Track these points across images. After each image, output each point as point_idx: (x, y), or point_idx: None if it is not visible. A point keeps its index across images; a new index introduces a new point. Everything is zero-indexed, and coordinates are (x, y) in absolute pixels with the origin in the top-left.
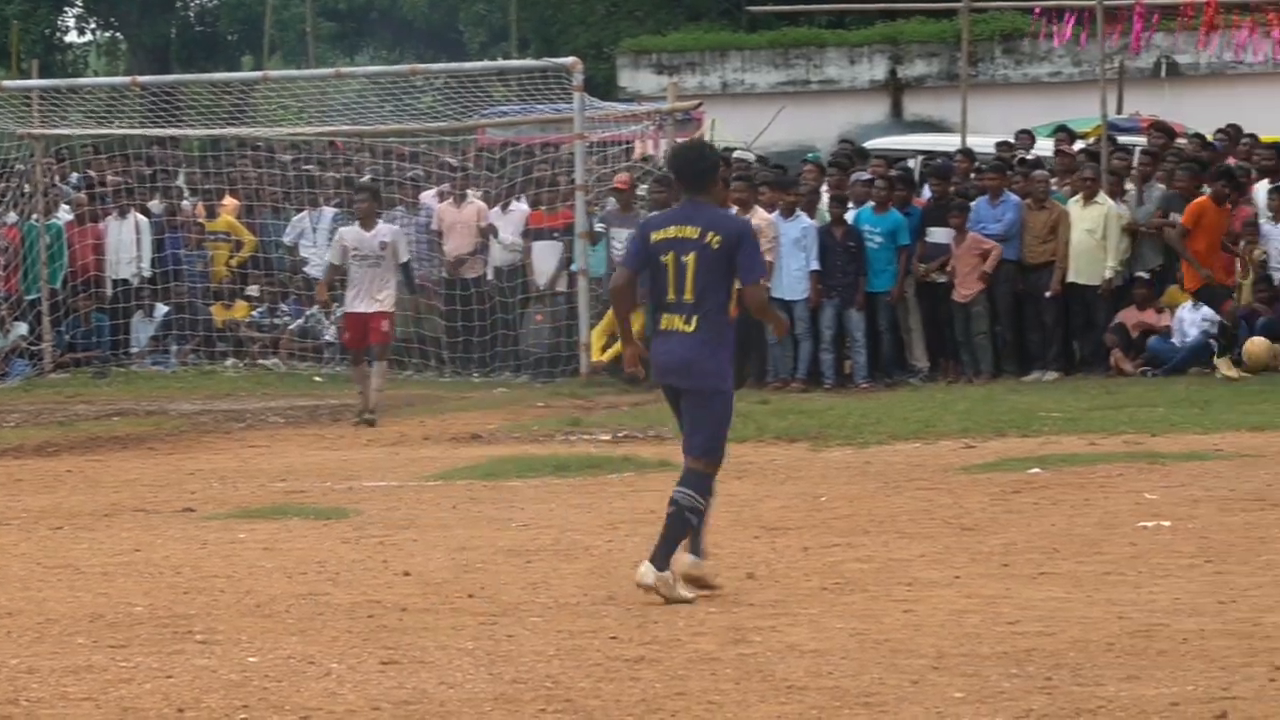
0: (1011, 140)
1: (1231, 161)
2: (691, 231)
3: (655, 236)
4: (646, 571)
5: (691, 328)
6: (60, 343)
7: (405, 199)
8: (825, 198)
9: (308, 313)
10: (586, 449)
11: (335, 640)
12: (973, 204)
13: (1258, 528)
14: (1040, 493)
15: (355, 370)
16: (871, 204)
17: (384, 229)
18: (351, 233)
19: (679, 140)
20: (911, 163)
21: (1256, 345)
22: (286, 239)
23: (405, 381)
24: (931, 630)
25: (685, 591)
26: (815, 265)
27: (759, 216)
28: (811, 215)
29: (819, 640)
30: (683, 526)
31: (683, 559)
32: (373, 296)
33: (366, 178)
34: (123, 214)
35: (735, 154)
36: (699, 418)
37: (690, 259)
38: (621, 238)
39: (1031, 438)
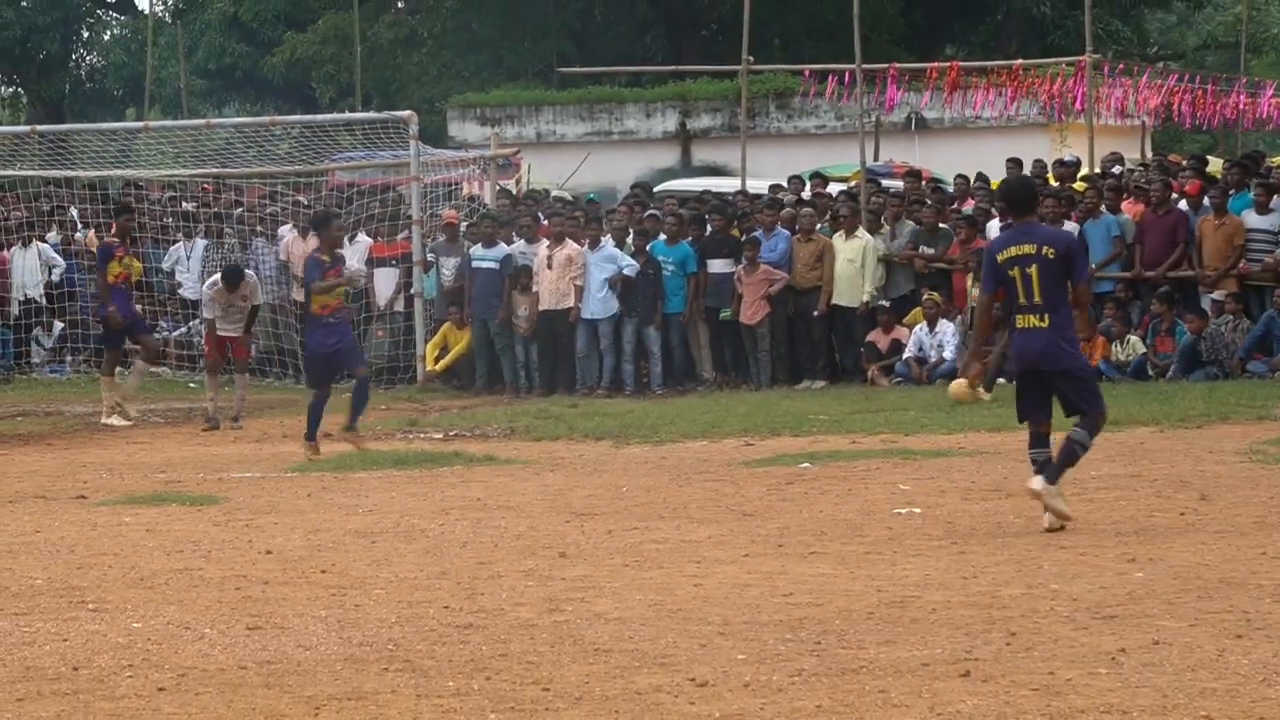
0: (784, 184)
1: (970, 203)
2: (1029, 248)
3: (1000, 257)
4: (1038, 482)
5: (1045, 323)
6: None
7: (265, 232)
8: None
9: (184, 328)
10: (422, 446)
11: (208, 609)
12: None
13: (995, 514)
14: (810, 484)
15: (210, 379)
16: (664, 237)
17: (244, 285)
18: (221, 295)
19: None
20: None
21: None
22: (165, 265)
23: (267, 388)
24: (718, 601)
25: (1062, 504)
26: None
27: (569, 248)
28: (619, 247)
29: (622, 610)
30: (1073, 456)
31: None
32: (238, 326)
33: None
34: (25, 244)
35: (552, 194)
36: (1077, 389)
37: (1033, 270)
38: (449, 265)
39: (802, 437)
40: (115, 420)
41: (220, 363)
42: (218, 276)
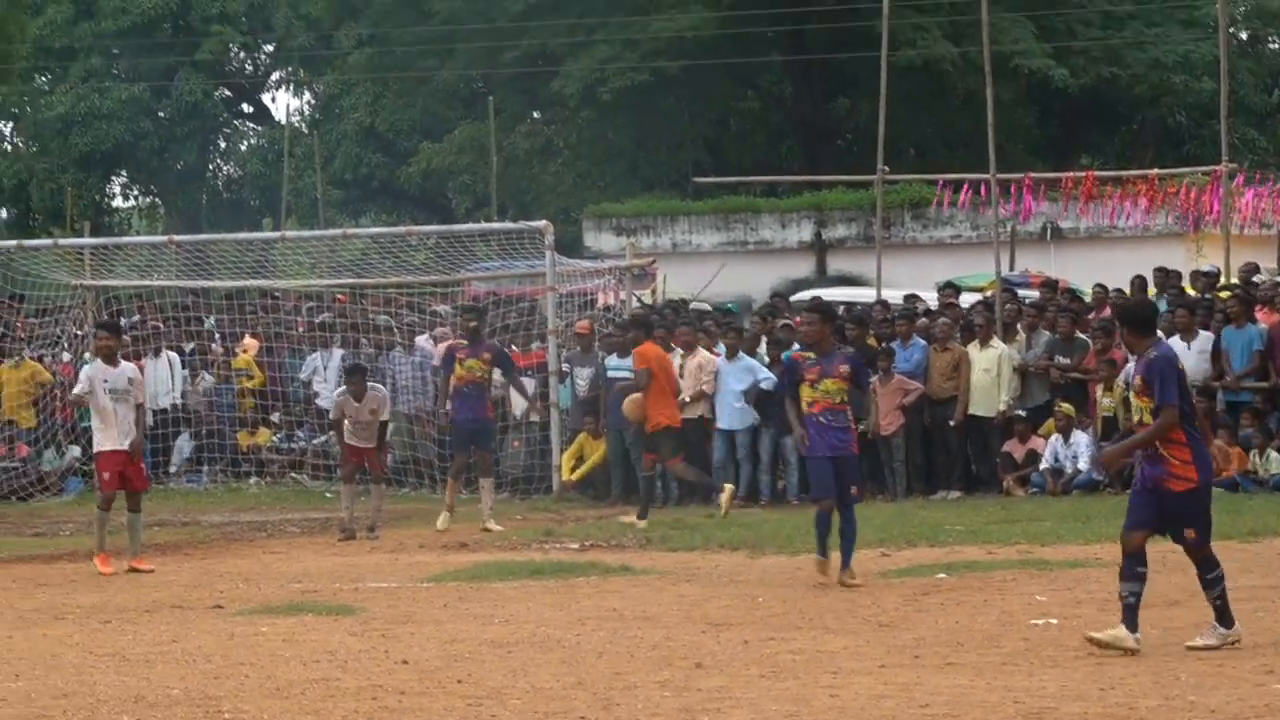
0: (919, 294)
1: (1106, 312)
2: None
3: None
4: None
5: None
6: None
7: (403, 342)
8: (764, 341)
9: (322, 438)
10: (558, 556)
11: (344, 719)
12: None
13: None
14: (946, 594)
15: (346, 489)
16: (796, 346)
17: (371, 398)
18: (348, 403)
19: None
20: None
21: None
22: (302, 375)
23: (403, 498)
24: (854, 712)
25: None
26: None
27: (700, 356)
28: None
29: None
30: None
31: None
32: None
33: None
34: (157, 353)
35: (691, 305)
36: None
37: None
38: (584, 376)
39: (938, 547)
40: (443, 522)
41: (355, 473)
42: (344, 386)
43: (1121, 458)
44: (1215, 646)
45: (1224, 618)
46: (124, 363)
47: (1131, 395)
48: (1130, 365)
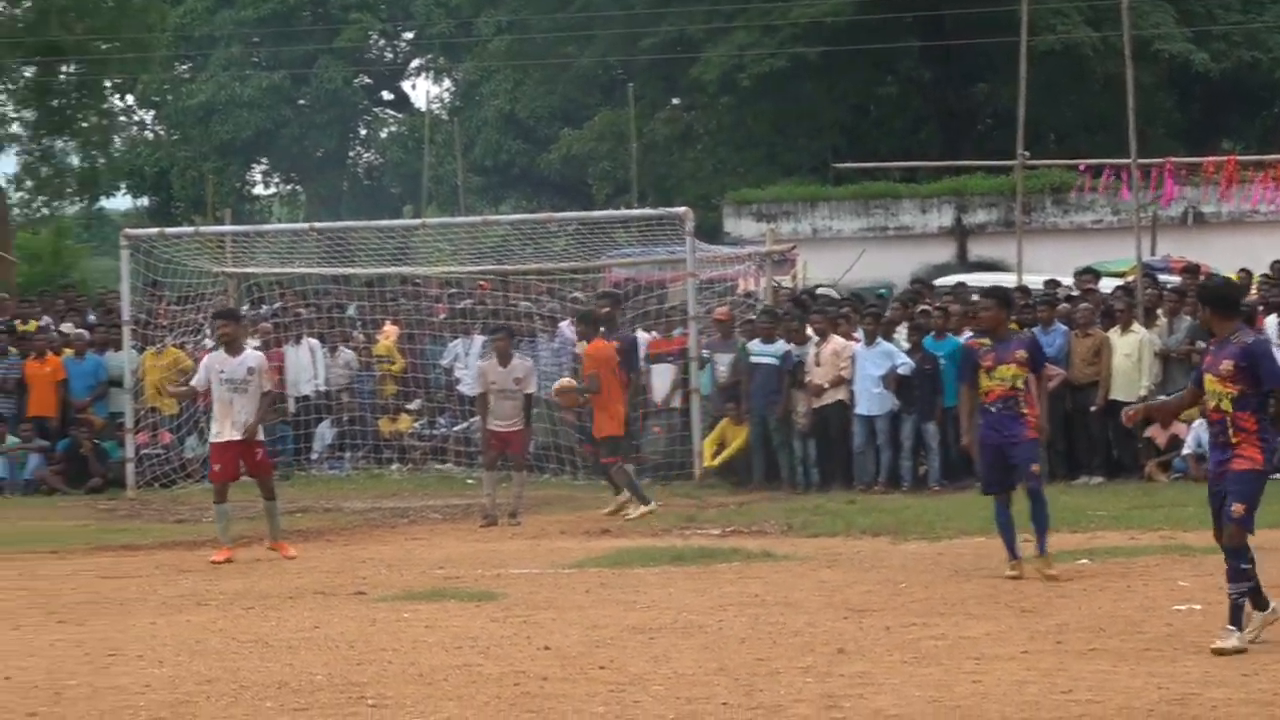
0: (1059, 279)
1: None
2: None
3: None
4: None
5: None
6: None
7: (545, 328)
8: (904, 327)
9: (463, 424)
10: (700, 541)
11: (486, 705)
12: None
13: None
14: (1089, 580)
15: (487, 476)
16: (933, 333)
17: (518, 364)
18: (490, 367)
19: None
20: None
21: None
22: (443, 362)
23: (544, 484)
24: (997, 698)
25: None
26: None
27: (835, 342)
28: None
29: (900, 707)
30: None
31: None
32: (509, 418)
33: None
34: (298, 340)
35: (819, 290)
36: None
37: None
38: (724, 361)
39: (1080, 533)
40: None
41: (497, 459)
42: (486, 357)
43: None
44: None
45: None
46: (248, 350)
47: (1211, 379)
48: (1210, 349)
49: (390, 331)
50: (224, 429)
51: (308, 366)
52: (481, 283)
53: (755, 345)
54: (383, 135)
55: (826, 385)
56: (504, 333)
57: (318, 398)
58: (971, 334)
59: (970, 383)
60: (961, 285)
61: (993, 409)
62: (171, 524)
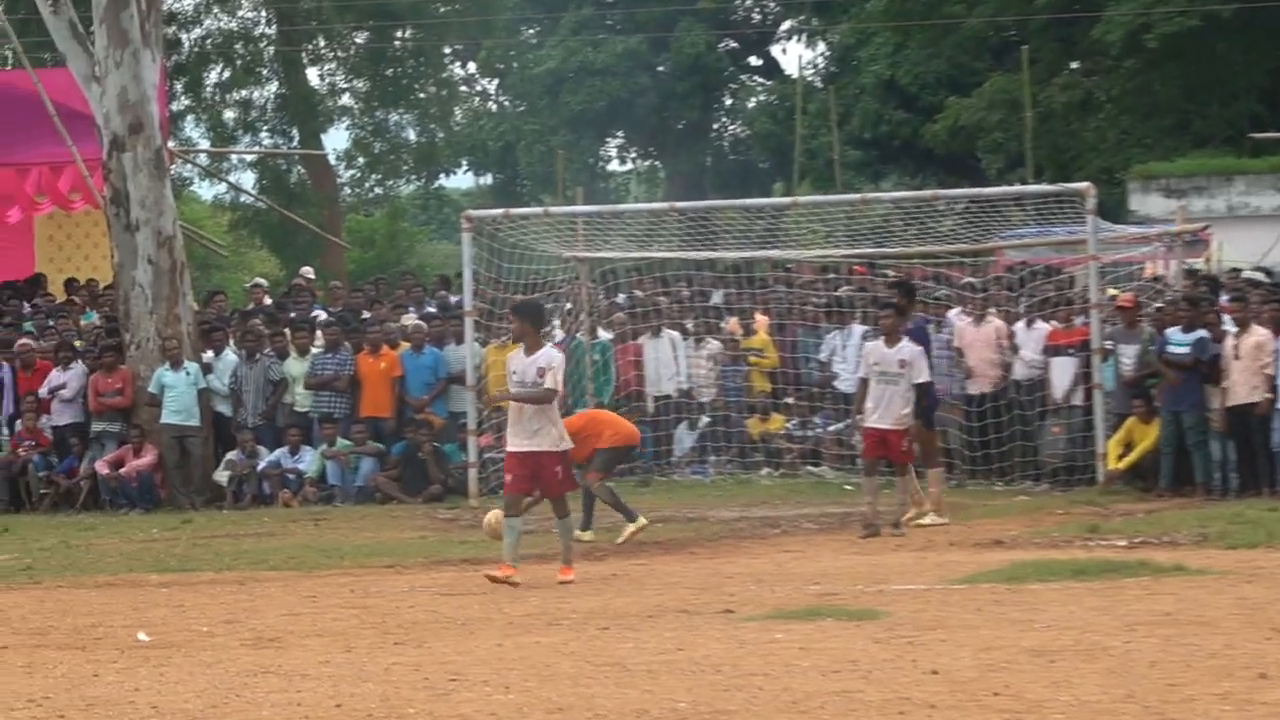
0: None
1: None
2: None
3: None
4: None
5: None
6: None
7: (931, 317)
8: None
9: (841, 424)
10: (1104, 554)
11: None
12: None
13: None
14: None
15: (868, 481)
16: None
17: (906, 347)
18: (875, 348)
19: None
20: None
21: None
22: (821, 356)
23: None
24: None
25: None
26: None
27: (1256, 334)
28: None
29: None
30: None
31: None
32: (894, 412)
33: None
34: (656, 332)
35: (1243, 274)
36: None
37: None
38: (1129, 354)
39: None
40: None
41: (878, 463)
42: (873, 337)
43: None
44: None
45: None
46: (545, 348)
47: None
48: None
49: (761, 322)
50: (512, 436)
51: (669, 361)
52: (857, 266)
53: (1174, 333)
54: (750, 105)
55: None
56: (893, 309)
57: (679, 395)
58: None
59: None
60: None
61: None
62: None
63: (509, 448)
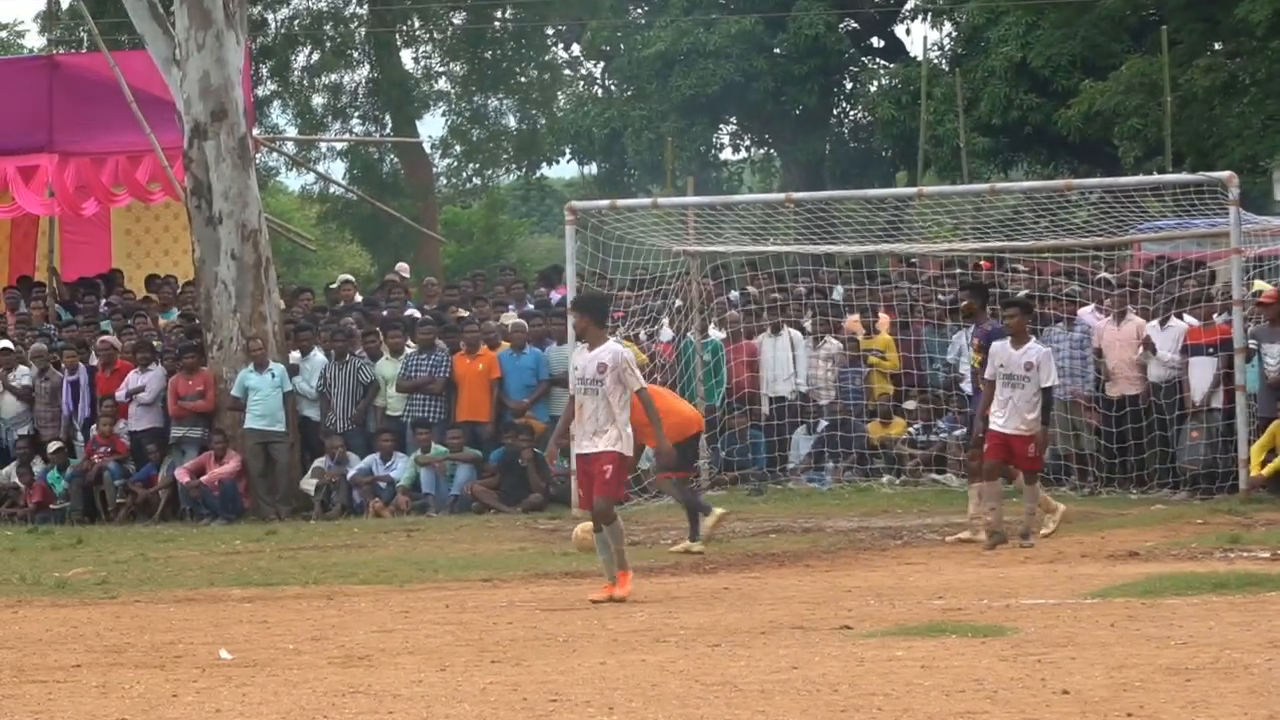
0: None
1: None
2: None
3: None
4: None
5: None
6: (717, 460)
7: (1063, 314)
8: None
9: (965, 429)
10: (1246, 566)
11: None
12: None
13: None
14: None
15: (987, 486)
16: None
17: (1033, 349)
18: (1001, 348)
19: None
20: None
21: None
22: (949, 356)
23: (1060, 498)
24: None
25: None
26: None
27: None
28: None
29: None
30: None
31: None
32: (1020, 416)
33: (1022, 292)
34: (776, 330)
35: None
36: None
37: None
38: (1274, 353)
39: None
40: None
41: (999, 466)
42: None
43: None
44: None
45: None
46: (607, 343)
47: None
48: None
49: (883, 320)
50: (579, 438)
51: (786, 362)
52: (983, 261)
53: None
54: (872, 89)
55: None
56: (1018, 307)
57: (795, 398)
58: None
59: None
60: None
61: None
62: (625, 546)
63: (574, 450)
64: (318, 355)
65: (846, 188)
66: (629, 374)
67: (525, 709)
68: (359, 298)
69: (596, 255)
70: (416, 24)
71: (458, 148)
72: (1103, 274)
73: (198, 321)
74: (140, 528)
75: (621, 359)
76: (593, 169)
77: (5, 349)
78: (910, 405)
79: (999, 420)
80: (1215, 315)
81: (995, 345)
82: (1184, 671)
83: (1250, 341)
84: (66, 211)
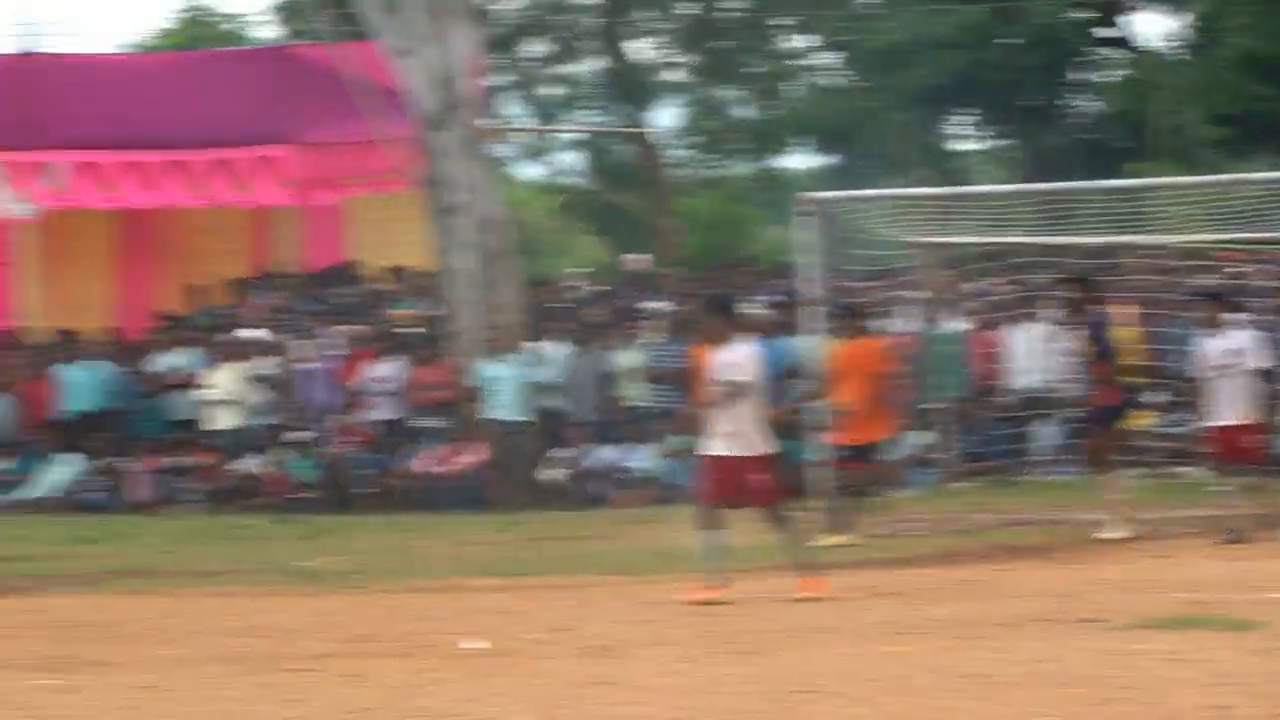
0: None
1: None
2: None
3: None
4: None
5: None
6: (962, 452)
7: None
8: None
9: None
10: None
11: None
12: None
13: None
14: None
15: (1235, 481)
16: None
17: (1235, 335)
18: (1210, 342)
19: None
20: None
21: None
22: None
23: None
24: None
25: None
26: None
27: None
28: None
29: None
30: None
31: None
32: (1237, 409)
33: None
34: (1031, 318)
35: None
36: None
37: None
38: None
39: None
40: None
41: (1232, 461)
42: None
43: None
44: None
45: None
46: (741, 343)
47: None
48: None
49: (1127, 313)
50: (711, 439)
51: (1030, 354)
52: (1226, 253)
53: None
54: (1101, 79)
55: None
56: (1210, 299)
57: (1040, 390)
58: None
59: None
60: None
61: None
62: (867, 539)
63: (704, 451)
64: (559, 345)
65: (1077, 179)
66: (736, 370)
67: (774, 700)
68: (597, 289)
69: (830, 247)
70: (649, 15)
71: (693, 138)
72: None
73: (441, 311)
74: (384, 517)
75: (743, 356)
76: (827, 160)
77: (250, 340)
78: (1158, 398)
79: (1222, 414)
80: None
81: (1206, 341)
82: None
83: None
84: (304, 202)
